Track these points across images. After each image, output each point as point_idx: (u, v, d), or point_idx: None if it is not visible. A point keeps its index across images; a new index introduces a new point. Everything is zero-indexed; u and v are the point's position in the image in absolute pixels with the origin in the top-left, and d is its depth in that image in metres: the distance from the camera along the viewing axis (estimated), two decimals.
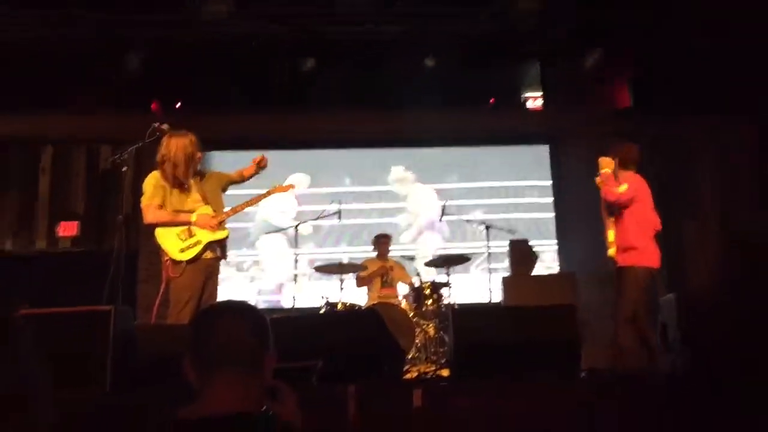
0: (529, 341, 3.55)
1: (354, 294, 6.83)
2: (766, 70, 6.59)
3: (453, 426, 2.96)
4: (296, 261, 6.37)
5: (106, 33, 6.85)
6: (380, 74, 7.84)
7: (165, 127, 4.49)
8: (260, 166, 4.66)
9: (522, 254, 6.56)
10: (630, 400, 3.06)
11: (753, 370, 2.90)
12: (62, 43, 6.95)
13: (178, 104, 7.72)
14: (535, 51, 7.85)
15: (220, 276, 4.54)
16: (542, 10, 6.49)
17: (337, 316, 5.23)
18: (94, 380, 3.00)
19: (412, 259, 6.70)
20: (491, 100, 8.18)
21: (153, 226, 4.32)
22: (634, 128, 7.29)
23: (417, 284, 6.43)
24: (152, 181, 4.35)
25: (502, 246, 6.98)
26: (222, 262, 4.50)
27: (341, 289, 6.31)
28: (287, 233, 6.37)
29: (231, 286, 7.56)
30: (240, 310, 1.62)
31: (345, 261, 6.80)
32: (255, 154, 4.69)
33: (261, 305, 7.31)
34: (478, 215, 7.90)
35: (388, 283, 6.75)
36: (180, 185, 4.34)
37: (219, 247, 4.42)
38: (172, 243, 4.28)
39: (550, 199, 8.27)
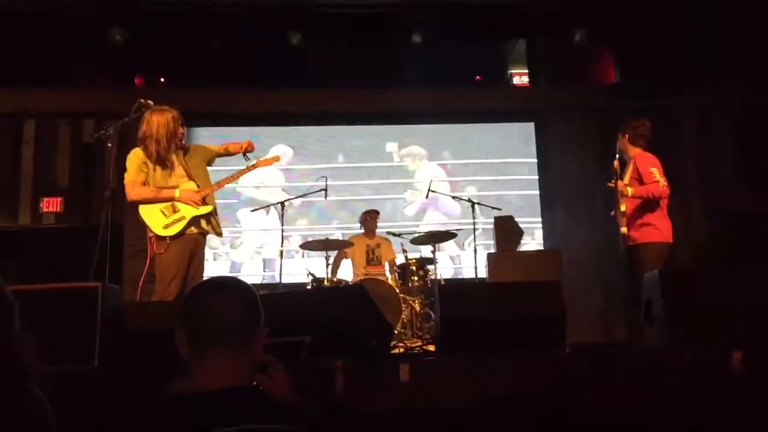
0: (514, 317, 3.58)
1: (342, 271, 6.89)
2: (750, 41, 6.65)
3: (439, 400, 2.99)
4: (283, 237, 6.35)
5: (89, 4, 6.74)
6: (367, 50, 7.78)
7: (150, 102, 4.44)
8: (247, 150, 4.62)
9: (507, 231, 6.59)
10: (615, 375, 3.11)
11: (737, 345, 2.95)
12: (45, 15, 6.83)
13: (162, 79, 7.63)
14: (522, 27, 7.83)
15: (215, 251, 4.52)
16: None
17: (325, 292, 5.24)
18: (83, 356, 3.00)
19: (398, 235, 6.70)
20: (477, 78, 8.15)
21: (137, 204, 4.30)
22: (619, 104, 7.32)
23: (403, 261, 6.46)
24: (135, 159, 4.32)
25: (491, 223, 7.00)
26: (216, 238, 4.46)
27: (327, 265, 6.33)
28: (276, 209, 6.36)
29: (220, 263, 7.54)
30: (230, 286, 1.62)
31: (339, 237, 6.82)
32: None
33: (250, 281, 7.28)
34: (472, 191, 7.93)
35: (375, 261, 6.77)
36: (162, 162, 4.31)
37: (205, 221, 4.41)
38: (156, 219, 4.27)
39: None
